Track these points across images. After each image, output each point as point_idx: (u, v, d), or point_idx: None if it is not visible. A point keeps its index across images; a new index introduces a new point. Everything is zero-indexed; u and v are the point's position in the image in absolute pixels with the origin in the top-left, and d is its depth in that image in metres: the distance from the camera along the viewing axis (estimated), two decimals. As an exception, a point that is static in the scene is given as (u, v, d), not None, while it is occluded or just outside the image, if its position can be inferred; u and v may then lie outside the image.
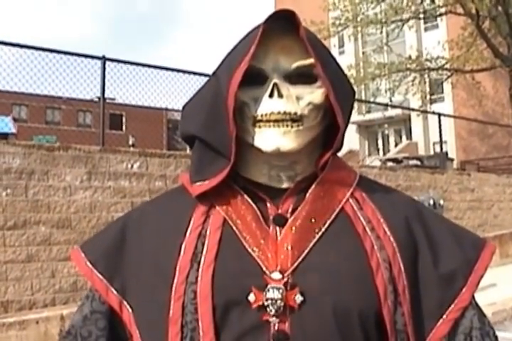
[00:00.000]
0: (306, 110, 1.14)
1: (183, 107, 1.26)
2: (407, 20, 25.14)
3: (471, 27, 23.82)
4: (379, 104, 24.57)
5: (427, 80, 27.28)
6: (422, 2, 24.74)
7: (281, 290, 1.05)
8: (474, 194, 14.35)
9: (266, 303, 1.05)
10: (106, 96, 9.23)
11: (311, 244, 1.10)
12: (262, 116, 1.13)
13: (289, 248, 1.10)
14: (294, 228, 1.12)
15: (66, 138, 16.12)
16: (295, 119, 1.13)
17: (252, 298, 1.05)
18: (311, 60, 1.13)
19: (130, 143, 24.25)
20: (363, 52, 35.44)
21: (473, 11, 21.92)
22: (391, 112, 34.28)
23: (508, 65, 22.90)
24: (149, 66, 10.09)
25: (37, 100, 27.79)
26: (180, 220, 1.17)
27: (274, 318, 1.05)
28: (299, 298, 1.05)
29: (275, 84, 1.12)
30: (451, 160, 19.27)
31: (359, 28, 25.81)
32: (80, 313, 1.22)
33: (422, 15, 26.48)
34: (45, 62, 8.78)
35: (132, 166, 8.25)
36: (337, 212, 1.15)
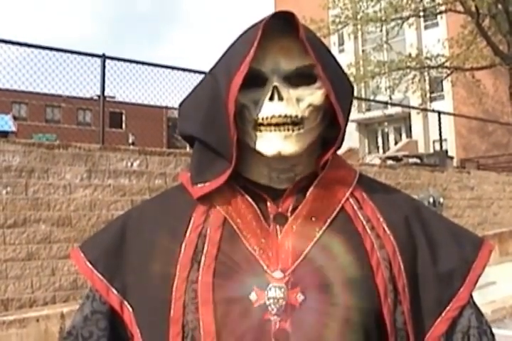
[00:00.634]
0: (306, 112, 1.14)
1: (180, 105, 1.25)
2: (407, 18, 25.13)
3: (471, 25, 23.83)
4: (379, 102, 24.58)
5: (427, 78, 27.30)
6: (421, 0, 24.71)
7: (282, 289, 1.05)
8: (474, 192, 14.34)
9: (267, 302, 1.05)
10: (106, 94, 9.21)
11: (312, 243, 1.10)
12: (262, 119, 1.12)
13: (290, 247, 1.10)
14: (294, 227, 1.12)
15: (66, 137, 16.14)
16: (296, 122, 1.13)
17: (253, 297, 1.06)
18: (311, 61, 1.12)
19: (130, 141, 24.23)
20: (363, 51, 35.40)
21: (473, 9, 21.92)
22: (391, 110, 34.27)
23: (507, 63, 22.90)
24: (149, 64, 10.07)
25: (37, 98, 27.72)
26: (181, 219, 1.16)
27: (275, 317, 1.05)
28: (300, 297, 1.05)
29: (275, 87, 1.12)
30: (451, 158, 19.29)
31: (359, 26, 25.81)
32: (81, 313, 1.22)
33: (421, 13, 26.47)
34: (45, 60, 8.77)
35: (132, 164, 8.24)
36: (337, 211, 1.16)
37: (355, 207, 1.18)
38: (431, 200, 9.34)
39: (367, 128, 41.07)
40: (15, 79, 8.93)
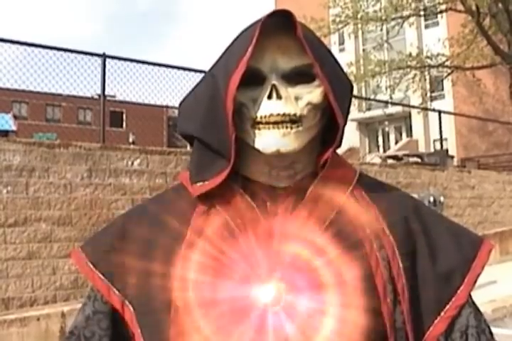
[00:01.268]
0: (305, 110, 1.14)
1: (180, 104, 1.25)
2: (408, 17, 25.13)
3: (471, 24, 23.81)
4: (379, 101, 24.59)
5: (428, 77, 27.27)
6: (422, -1, 24.74)
7: (281, 289, 1.06)
8: (474, 191, 14.35)
9: (266, 302, 1.05)
10: (106, 93, 9.22)
11: (311, 243, 1.10)
12: (261, 117, 1.13)
13: (289, 247, 1.10)
14: (293, 227, 1.12)
15: (66, 136, 16.12)
16: (294, 120, 1.13)
17: (252, 296, 1.06)
18: (309, 60, 1.12)
19: (130, 140, 24.26)
20: (364, 50, 35.42)
21: (474, 8, 21.91)
22: (391, 109, 34.23)
23: (508, 62, 22.89)
24: (149, 63, 10.08)
25: (37, 97, 27.71)
26: (181, 219, 1.16)
27: (274, 317, 1.05)
28: (299, 297, 1.05)
29: (274, 86, 1.12)
30: (452, 157, 19.28)
31: (359, 26, 25.80)
32: (83, 314, 1.22)
33: (422, 13, 26.47)
34: (46, 59, 8.78)
35: (133, 163, 8.24)
36: (337, 211, 1.16)
37: (355, 206, 1.18)
38: (431, 199, 9.33)
39: (367, 127, 41.07)
40: (15, 78, 8.96)
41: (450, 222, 1.28)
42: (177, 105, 1.26)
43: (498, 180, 15.33)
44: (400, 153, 20.34)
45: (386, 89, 26.29)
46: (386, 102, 23.75)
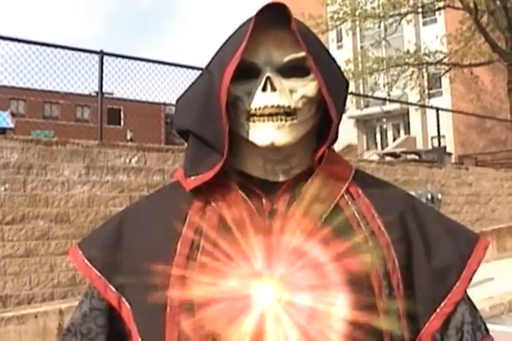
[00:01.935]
0: (299, 103, 1.14)
1: (177, 101, 1.25)
2: (405, 14, 25.17)
3: (469, 21, 23.85)
4: (377, 98, 24.60)
5: (425, 74, 27.32)
6: (420, -4, 24.76)
7: (278, 286, 1.06)
8: (472, 188, 14.36)
9: (264, 299, 1.05)
10: (104, 90, 9.21)
11: (307, 239, 1.10)
12: (255, 110, 1.13)
13: (285, 243, 1.10)
14: (289, 223, 1.12)
15: (64, 133, 16.09)
16: (289, 113, 1.13)
17: (249, 294, 1.05)
18: (303, 53, 1.12)
19: (128, 137, 24.24)
20: (361, 47, 35.36)
21: (472, 5, 21.93)
22: (389, 107, 34.31)
23: (506, 59, 22.92)
24: (147, 60, 10.07)
25: (35, 95, 27.68)
26: (177, 217, 1.16)
27: (272, 314, 1.05)
28: (295, 294, 1.05)
29: (268, 78, 1.12)
30: (449, 154, 19.29)
31: (357, 23, 25.84)
32: (80, 310, 1.23)
33: (420, 10, 26.51)
34: (43, 56, 8.77)
35: (130, 161, 8.24)
36: (332, 207, 1.16)
37: (351, 203, 1.18)
38: (429, 196, 9.33)
39: (365, 124, 41.09)
40: (13, 75, 8.95)
41: (446, 219, 1.28)
42: (174, 102, 1.26)
43: (495, 177, 15.35)
44: (398, 150, 20.34)
45: (384, 86, 26.32)
46: (384, 99, 23.76)
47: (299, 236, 1.10)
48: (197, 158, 1.19)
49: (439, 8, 26.31)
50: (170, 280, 1.09)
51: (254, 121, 1.13)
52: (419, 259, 1.16)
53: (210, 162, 1.16)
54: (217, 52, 1.21)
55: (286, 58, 1.14)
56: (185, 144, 1.24)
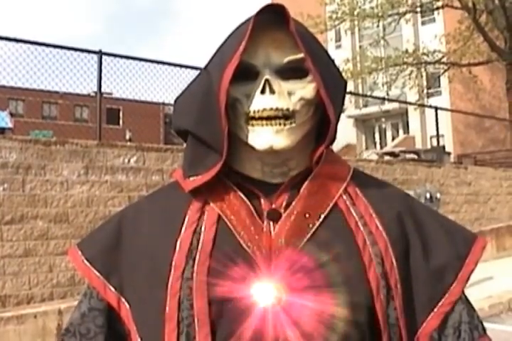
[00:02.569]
0: (298, 105, 1.14)
1: (175, 101, 1.25)
2: (404, 14, 25.17)
3: (467, 21, 23.86)
4: (376, 97, 24.57)
5: (424, 74, 27.33)
6: (418, -4, 24.78)
7: (276, 286, 1.06)
8: (471, 187, 14.36)
9: (262, 300, 1.05)
10: (103, 90, 9.20)
11: (305, 240, 1.11)
12: (254, 112, 1.13)
13: (283, 243, 1.10)
14: (287, 223, 1.12)
15: (63, 133, 16.09)
16: (287, 115, 1.13)
17: (248, 294, 1.05)
18: (302, 55, 1.12)
19: (127, 137, 24.24)
20: (360, 46, 35.39)
21: (470, 5, 21.95)
22: (388, 106, 34.30)
23: (504, 59, 22.93)
24: (146, 60, 10.06)
25: (33, 95, 27.71)
26: (175, 217, 1.17)
27: (270, 314, 1.05)
28: (293, 294, 1.05)
29: (267, 80, 1.12)
30: (448, 153, 19.30)
31: (356, 22, 25.84)
32: (78, 311, 1.23)
33: (418, 9, 26.52)
34: (42, 56, 8.76)
35: (129, 160, 8.24)
36: (330, 207, 1.16)
37: (349, 203, 1.18)
38: (428, 196, 9.33)
39: (364, 124, 41.10)
40: (11, 75, 8.93)
41: (444, 218, 1.28)
42: (173, 102, 1.26)
43: (494, 177, 15.35)
44: (397, 150, 20.36)
45: (383, 85, 26.32)
46: (383, 99, 23.75)
47: (296, 236, 1.10)
48: (196, 158, 1.19)
49: (438, 8, 26.32)
50: (169, 280, 1.10)
51: (253, 125, 1.14)
52: (417, 258, 1.16)
53: (209, 163, 1.16)
54: (216, 52, 1.21)
55: (285, 60, 1.14)
56: (184, 144, 1.24)
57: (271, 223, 1.13)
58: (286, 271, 1.07)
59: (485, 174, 15.15)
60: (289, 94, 1.14)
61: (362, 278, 1.09)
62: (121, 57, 9.56)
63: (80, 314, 1.22)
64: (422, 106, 23.23)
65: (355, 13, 24.71)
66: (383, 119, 39.90)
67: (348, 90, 1.28)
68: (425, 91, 28.47)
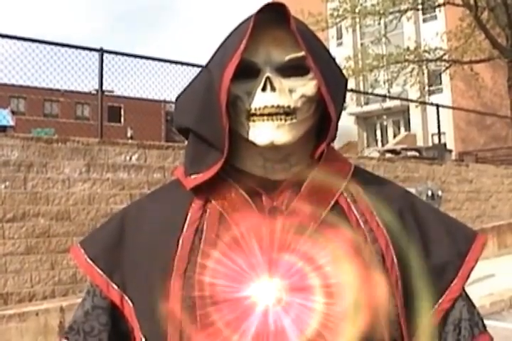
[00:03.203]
0: (299, 103, 1.15)
1: (176, 99, 1.26)
2: (405, 11, 25.13)
3: (469, 18, 23.80)
4: (377, 95, 24.57)
5: (426, 71, 27.29)
6: (419, -7, 24.74)
7: (278, 285, 1.06)
8: (472, 185, 14.36)
9: (265, 299, 1.05)
10: (104, 88, 9.21)
11: (307, 237, 1.10)
12: (255, 109, 1.13)
13: (285, 241, 1.10)
14: (289, 220, 1.12)
15: (64, 131, 16.10)
16: (288, 112, 1.13)
17: (250, 293, 1.06)
18: (303, 52, 1.13)
19: (128, 135, 24.20)
20: (361, 44, 35.35)
21: (472, 2, 21.89)
22: (389, 103, 34.30)
23: (506, 56, 22.88)
24: (147, 58, 10.06)
25: (35, 93, 27.67)
26: (177, 215, 1.17)
27: (271, 311, 1.05)
28: (295, 292, 1.05)
29: (268, 78, 1.12)
30: (450, 151, 19.28)
31: (357, 20, 25.82)
32: (82, 309, 1.23)
33: (420, 7, 26.47)
34: (43, 54, 8.76)
35: (131, 158, 8.24)
36: (332, 205, 1.16)
37: (350, 201, 1.18)
38: (429, 193, 9.33)
39: (365, 121, 41.08)
40: (13, 73, 8.93)
41: (444, 215, 1.29)
42: (174, 100, 1.26)
43: (496, 174, 15.34)
44: (398, 147, 20.34)
45: (384, 83, 26.29)
46: (384, 96, 23.76)
47: (299, 234, 1.11)
48: (197, 156, 1.19)
49: (439, 5, 26.26)
50: (171, 279, 1.10)
51: (254, 121, 1.14)
52: (418, 256, 1.17)
53: (210, 160, 1.16)
54: (217, 50, 1.21)
55: (286, 58, 1.15)
56: (186, 142, 1.24)
57: (272, 221, 1.13)
58: (287, 271, 1.07)
59: (486, 171, 15.15)
60: (290, 91, 1.14)
61: (363, 276, 1.09)
62: (123, 54, 9.57)
63: (84, 312, 1.22)
64: (424, 103, 23.22)
65: (357, 10, 24.66)
66: (384, 117, 39.86)
67: (349, 88, 1.29)
68: (426, 88, 28.44)
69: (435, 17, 34.38)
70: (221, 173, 1.16)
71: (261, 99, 1.13)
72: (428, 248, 1.18)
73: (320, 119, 1.22)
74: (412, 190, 1.30)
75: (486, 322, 1.22)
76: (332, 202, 1.16)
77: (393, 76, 25.87)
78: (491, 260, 10.98)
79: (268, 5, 1.12)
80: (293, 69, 1.15)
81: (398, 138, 35.66)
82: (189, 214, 1.16)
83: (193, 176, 1.18)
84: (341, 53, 28.55)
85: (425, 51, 26.32)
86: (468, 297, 1.21)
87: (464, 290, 1.19)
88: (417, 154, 16.91)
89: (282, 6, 1.12)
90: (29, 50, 8.69)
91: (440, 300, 1.16)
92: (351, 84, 29.64)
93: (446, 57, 26.14)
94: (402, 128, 39.37)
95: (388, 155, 17.69)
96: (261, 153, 1.19)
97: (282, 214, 1.14)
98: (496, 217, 14.59)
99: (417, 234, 1.19)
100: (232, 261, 1.08)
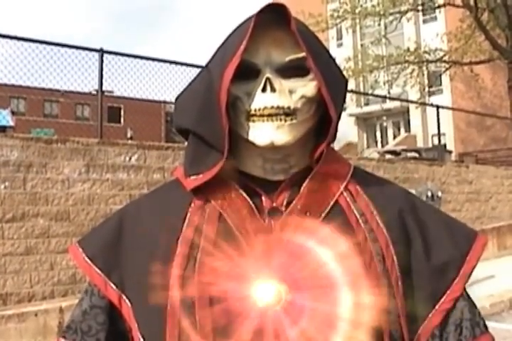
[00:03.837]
0: (299, 103, 1.14)
1: (176, 99, 1.26)
2: (406, 12, 25.16)
3: (469, 19, 23.82)
4: (377, 96, 24.60)
5: (426, 72, 27.34)
6: (419, -6, 24.77)
7: (278, 286, 1.05)
8: (472, 186, 14.36)
9: (264, 299, 1.05)
10: (104, 89, 9.21)
11: (306, 237, 1.10)
12: (255, 110, 1.13)
13: (284, 241, 1.10)
14: (288, 221, 1.12)
15: (64, 131, 16.15)
16: (288, 113, 1.13)
17: (249, 294, 1.05)
18: (303, 53, 1.13)
19: (128, 135, 24.24)
20: (362, 45, 35.37)
21: (472, 3, 21.92)
22: (389, 104, 34.32)
23: (506, 57, 22.90)
24: (147, 58, 10.06)
25: (35, 93, 27.76)
26: (176, 215, 1.17)
27: (273, 314, 1.04)
28: (295, 293, 1.05)
29: (268, 79, 1.12)
30: (450, 152, 19.31)
31: (357, 20, 25.85)
32: (80, 308, 1.23)
33: (420, 7, 26.51)
34: (43, 54, 8.77)
35: (130, 159, 8.24)
36: (331, 205, 1.16)
37: (350, 201, 1.18)
38: (429, 194, 9.34)
39: (365, 122, 41.13)
40: (13, 73, 8.94)
41: (445, 215, 1.28)
42: (174, 101, 1.26)
43: (495, 175, 15.35)
44: (398, 148, 20.37)
45: (384, 84, 26.32)
46: (384, 97, 23.79)
47: (298, 234, 1.10)
48: (197, 157, 1.19)
49: (439, 6, 26.29)
50: (170, 279, 1.09)
51: (253, 121, 1.14)
52: (418, 256, 1.16)
53: (210, 161, 1.16)
54: (217, 51, 1.21)
55: (286, 58, 1.14)
56: (185, 142, 1.24)
57: (272, 221, 1.13)
58: (286, 271, 1.07)
59: (486, 172, 15.15)
60: (290, 92, 1.14)
61: (363, 276, 1.09)
62: (123, 55, 9.57)
63: (81, 311, 1.22)
64: (424, 104, 23.28)
65: (357, 11, 24.70)
66: (384, 118, 39.92)
67: (349, 88, 1.29)
68: (426, 89, 28.48)
69: (435, 18, 34.44)
70: (221, 174, 1.16)
71: (261, 100, 1.13)
72: (429, 248, 1.18)
73: (320, 120, 1.22)
74: (412, 191, 1.30)
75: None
76: (332, 202, 1.16)
77: (393, 77, 25.90)
78: (490, 261, 10.98)
79: (268, 6, 1.12)
80: (293, 70, 1.15)
81: (398, 139, 35.69)
82: (188, 214, 1.16)
83: (193, 177, 1.18)
84: (341, 54, 28.56)
85: (425, 52, 26.34)
86: (470, 297, 1.21)
87: (465, 290, 1.19)
88: (416, 155, 16.93)
89: (283, 6, 1.12)
90: (29, 50, 8.69)
91: (441, 300, 1.15)
92: (351, 85, 29.67)
93: (446, 58, 26.16)
94: (402, 129, 39.41)
95: (388, 156, 17.70)
96: (260, 154, 1.18)
97: (282, 214, 1.14)
98: (495, 218, 14.60)
99: (418, 233, 1.18)
100: (232, 261, 1.08)
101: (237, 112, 1.16)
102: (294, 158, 1.20)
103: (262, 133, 1.13)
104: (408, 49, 26.25)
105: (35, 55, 8.73)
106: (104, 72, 9.01)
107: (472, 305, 1.20)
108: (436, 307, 1.15)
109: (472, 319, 1.17)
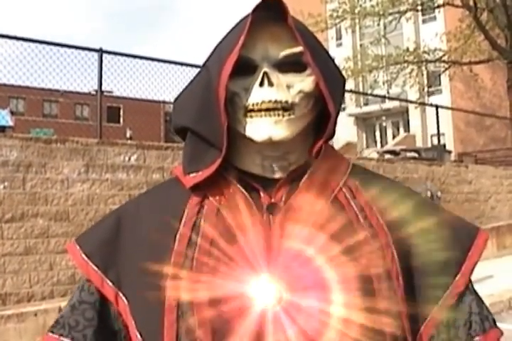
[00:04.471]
0: (296, 98, 1.14)
1: (175, 100, 1.25)
2: (405, 12, 25.18)
3: (468, 19, 23.85)
4: (377, 96, 24.63)
5: (425, 72, 27.36)
6: (419, -6, 24.77)
7: (277, 283, 1.05)
8: (472, 186, 14.37)
9: (267, 301, 1.04)
10: (103, 89, 9.21)
11: (305, 233, 1.10)
12: (253, 105, 1.13)
13: (283, 238, 1.09)
14: (287, 217, 1.11)
15: (63, 131, 16.15)
16: (286, 108, 1.13)
17: (247, 291, 1.05)
18: (300, 48, 1.12)
19: (128, 135, 24.26)
20: (361, 45, 35.42)
21: (471, 3, 21.95)
22: (389, 104, 34.37)
23: (505, 57, 22.91)
24: (147, 58, 10.06)
25: (34, 93, 27.77)
26: (174, 211, 1.16)
27: (269, 309, 1.04)
28: (300, 296, 1.05)
29: (265, 73, 1.12)
30: (449, 152, 19.34)
31: (356, 20, 25.85)
32: (69, 303, 1.23)
33: (419, 7, 26.52)
34: (42, 54, 8.77)
35: (130, 159, 8.24)
36: (330, 201, 1.15)
37: (349, 197, 1.17)
38: (428, 194, 9.35)
39: (365, 122, 41.13)
40: (12, 73, 8.93)
41: (446, 211, 1.28)
42: (173, 102, 1.26)
43: (495, 175, 15.36)
44: (398, 148, 20.40)
45: (383, 84, 26.34)
46: (383, 97, 23.81)
47: (297, 231, 1.10)
48: (195, 154, 1.19)
49: (439, 6, 26.31)
50: (167, 278, 1.09)
51: (251, 117, 1.13)
52: (419, 252, 1.16)
53: (208, 159, 1.16)
54: (215, 48, 1.21)
55: (283, 53, 1.14)
56: (184, 143, 1.24)
57: (270, 217, 1.13)
58: (286, 269, 1.06)
59: (485, 172, 15.16)
60: (288, 87, 1.14)
61: (365, 273, 1.09)
62: (122, 55, 9.58)
63: (70, 306, 1.21)
64: (423, 104, 23.30)
65: (356, 11, 24.71)
66: (384, 118, 39.92)
67: (348, 88, 1.29)
68: (426, 89, 28.50)
69: (434, 18, 34.47)
70: (219, 171, 1.16)
71: (258, 94, 1.12)
72: (430, 243, 1.17)
73: (318, 117, 1.21)
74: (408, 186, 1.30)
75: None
76: (331, 198, 1.16)
77: (392, 77, 25.92)
78: (490, 261, 10.99)
79: (265, 1, 1.12)
80: (290, 65, 1.15)
81: (397, 139, 35.72)
82: (186, 211, 1.16)
83: (191, 174, 1.18)
84: (341, 54, 28.60)
85: (424, 52, 26.37)
86: (476, 292, 1.20)
87: (471, 285, 1.19)
88: (416, 155, 16.96)
89: (280, 2, 1.12)
90: (28, 50, 8.70)
91: (445, 296, 1.15)
92: (351, 84, 29.69)
93: (445, 58, 26.18)
94: (402, 129, 39.42)
95: (387, 156, 17.73)
96: (259, 151, 1.18)
97: (280, 210, 1.13)
98: (495, 218, 14.61)
99: (418, 229, 1.18)
100: (230, 258, 1.08)
101: (235, 108, 1.15)
102: (294, 155, 1.20)
103: (260, 128, 1.12)
104: (407, 49, 26.27)
105: (35, 55, 8.74)
106: (103, 72, 9.01)
107: (479, 299, 1.19)
108: (439, 303, 1.14)
109: (481, 312, 1.16)
